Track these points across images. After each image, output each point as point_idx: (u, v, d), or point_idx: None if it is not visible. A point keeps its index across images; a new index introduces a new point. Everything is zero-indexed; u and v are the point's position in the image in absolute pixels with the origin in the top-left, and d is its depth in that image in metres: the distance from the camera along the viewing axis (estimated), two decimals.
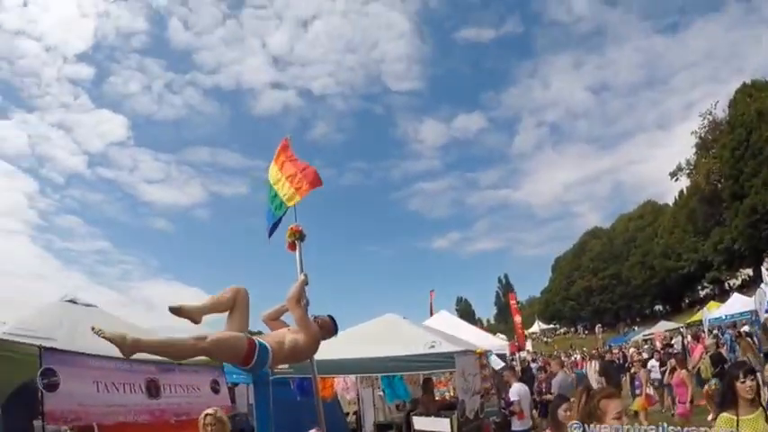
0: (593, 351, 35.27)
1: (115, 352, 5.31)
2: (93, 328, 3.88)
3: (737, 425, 3.85)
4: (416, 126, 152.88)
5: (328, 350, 5.15)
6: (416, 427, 8.38)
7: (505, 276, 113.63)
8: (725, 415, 4.01)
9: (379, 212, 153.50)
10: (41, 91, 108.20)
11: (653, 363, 15.69)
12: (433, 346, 7.86)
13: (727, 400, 4.00)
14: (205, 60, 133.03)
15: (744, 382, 3.91)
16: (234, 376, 8.74)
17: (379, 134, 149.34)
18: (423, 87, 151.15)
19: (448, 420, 8.06)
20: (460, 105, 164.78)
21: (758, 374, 4.15)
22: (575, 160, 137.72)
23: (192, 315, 4.09)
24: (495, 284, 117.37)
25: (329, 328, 4.85)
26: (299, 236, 5.06)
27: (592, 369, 18.85)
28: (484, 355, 8.83)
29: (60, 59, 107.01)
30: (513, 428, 9.04)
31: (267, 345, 4.36)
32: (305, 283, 4.90)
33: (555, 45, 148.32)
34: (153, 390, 6.20)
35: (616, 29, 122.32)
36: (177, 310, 4.03)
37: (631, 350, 29.25)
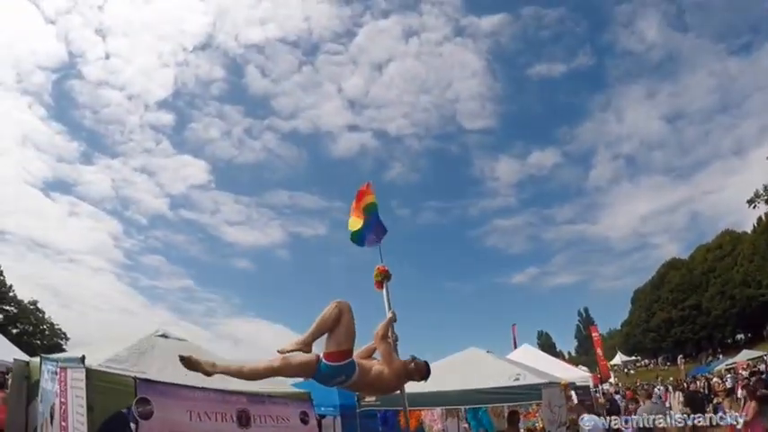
0: (676, 382, 34.22)
1: (207, 383, 5.48)
2: (180, 356, 4.10)
3: None
4: (491, 164, 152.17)
5: (415, 383, 5.22)
6: None
7: (585, 310, 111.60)
8: None
9: (457, 249, 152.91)
10: (125, 137, 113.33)
11: (741, 392, 15.22)
12: (517, 379, 7.86)
13: None
14: (282, 106, 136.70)
15: None
16: (322, 408, 8.85)
17: (454, 173, 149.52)
18: (496, 125, 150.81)
19: None
20: (534, 141, 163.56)
21: None
22: (651, 192, 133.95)
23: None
24: (574, 318, 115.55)
25: (422, 371, 5.00)
26: (385, 275, 5.29)
27: (676, 400, 18.44)
28: (568, 386, 8.71)
29: (142, 107, 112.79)
30: None
31: (356, 362, 4.58)
32: (393, 320, 5.12)
33: (627, 75, 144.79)
34: (244, 419, 6.31)
35: (688, 54, 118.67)
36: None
37: (714, 380, 28.21)
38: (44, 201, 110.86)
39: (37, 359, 8.56)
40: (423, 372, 5.01)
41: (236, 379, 6.19)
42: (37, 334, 55.78)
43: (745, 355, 40.30)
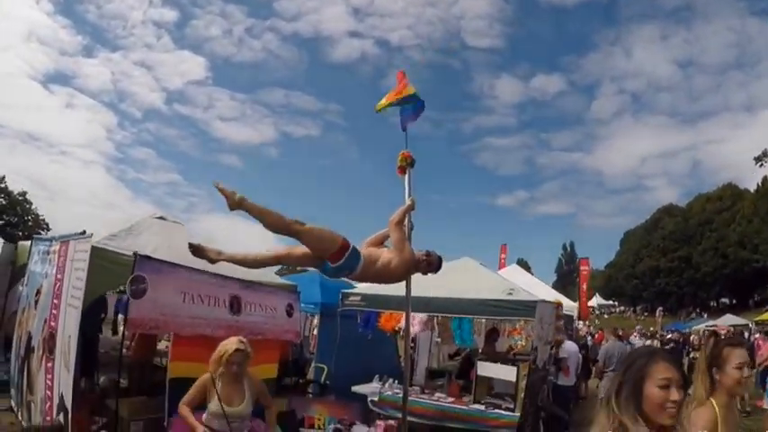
0: (651, 333, 34.37)
1: (206, 266, 5.47)
2: (189, 243, 4.12)
3: None
4: (492, 82, 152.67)
5: (403, 287, 5.31)
6: (480, 372, 8.38)
7: (571, 244, 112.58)
8: None
9: (447, 164, 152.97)
10: (126, 32, 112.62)
11: None
12: (510, 293, 7.87)
13: None
14: (285, 7, 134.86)
15: None
16: (302, 305, 8.93)
17: (453, 87, 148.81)
18: (502, 45, 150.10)
19: (515, 369, 8.06)
20: (540, 66, 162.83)
21: None
22: (654, 132, 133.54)
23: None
24: (557, 251, 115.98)
25: (435, 264, 5.05)
26: (409, 161, 5.24)
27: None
28: (560, 306, 8.82)
29: (146, 2, 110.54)
30: (558, 382, 9.40)
31: (360, 252, 4.52)
32: (411, 207, 5.07)
33: (640, 15, 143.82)
34: (235, 306, 6.36)
35: (706, 6, 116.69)
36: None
37: (692, 336, 28.33)
38: (42, 93, 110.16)
39: (26, 242, 8.54)
40: (435, 264, 5.05)
41: (228, 265, 6.22)
42: (20, 225, 55.96)
43: (728, 320, 39.28)
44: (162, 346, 10.68)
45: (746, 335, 26.61)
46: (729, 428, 2.94)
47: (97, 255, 6.05)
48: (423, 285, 5.68)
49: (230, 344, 4.62)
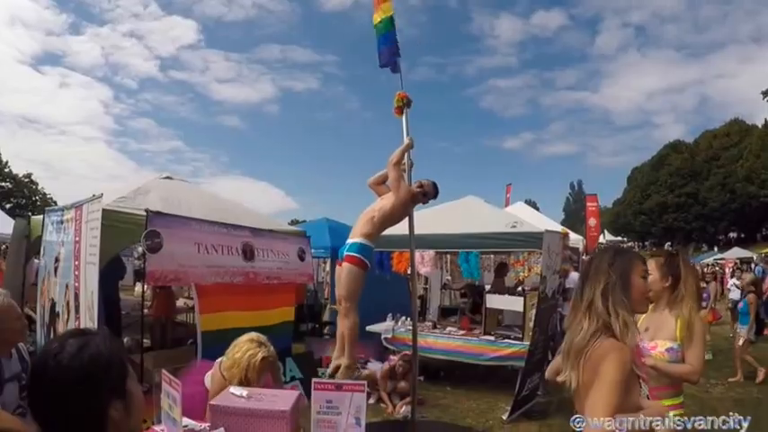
0: None
1: (214, 218, 5.64)
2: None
3: None
4: (492, 21, 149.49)
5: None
6: (489, 305, 8.62)
7: (579, 182, 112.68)
8: None
9: (452, 109, 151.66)
10: (112, 4, 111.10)
11: (734, 281, 15.14)
12: (514, 226, 8.08)
13: None
14: None
15: None
16: (313, 251, 9.13)
17: (452, 29, 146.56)
18: None
19: (521, 299, 8.29)
20: (539, 1, 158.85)
21: None
22: (660, 66, 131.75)
23: None
24: (565, 190, 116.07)
25: (430, 191, 5.26)
26: (406, 101, 5.27)
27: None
28: (567, 236, 8.91)
29: None
30: (564, 312, 9.16)
31: (366, 243, 4.98)
32: (409, 146, 5.19)
33: None
34: (248, 253, 6.50)
35: None
36: None
37: (700, 266, 28.48)
38: (34, 76, 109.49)
39: (39, 217, 8.68)
40: (431, 191, 5.26)
41: (237, 214, 6.44)
42: (29, 206, 56.32)
43: (735, 253, 40.19)
44: (180, 303, 10.99)
45: (753, 266, 26.57)
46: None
47: (108, 217, 6.16)
48: (429, 223, 5.83)
49: (252, 351, 3.83)
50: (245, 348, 3.83)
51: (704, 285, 13.41)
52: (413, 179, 5.24)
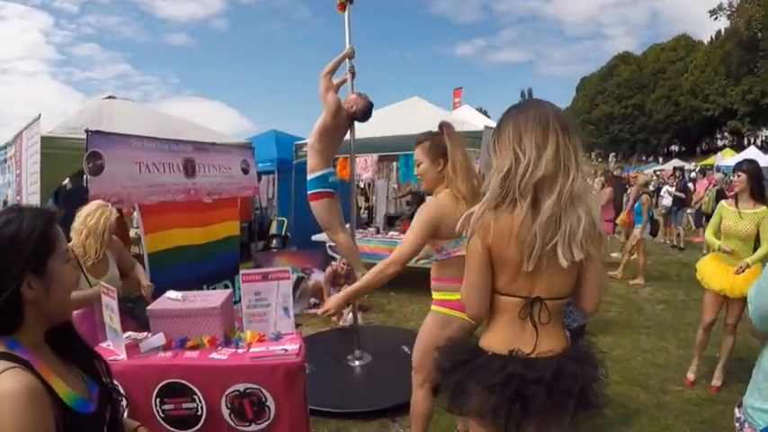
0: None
1: (156, 133, 5.63)
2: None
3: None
4: None
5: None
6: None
7: (529, 91, 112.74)
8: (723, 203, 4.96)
9: (404, 14, 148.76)
10: None
11: (667, 188, 15.98)
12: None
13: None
14: None
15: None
16: (259, 165, 9.19)
17: None
18: None
19: None
20: None
21: None
22: None
23: None
24: (516, 98, 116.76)
25: (359, 114, 5.13)
26: None
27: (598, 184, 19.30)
28: None
29: None
30: None
31: (315, 175, 5.17)
32: (348, 55, 5.18)
33: None
34: (189, 169, 6.53)
35: None
36: None
37: (634, 173, 29.30)
38: None
39: None
40: (359, 115, 5.14)
41: (181, 130, 6.47)
42: None
43: (674, 164, 40.07)
44: (133, 234, 11.03)
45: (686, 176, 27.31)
46: None
47: (50, 144, 6.22)
48: (371, 127, 5.85)
49: (106, 213, 4.00)
50: (98, 214, 3.94)
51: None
52: (356, 88, 5.21)
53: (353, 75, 5.24)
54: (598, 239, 1.92)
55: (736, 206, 4.78)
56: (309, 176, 5.19)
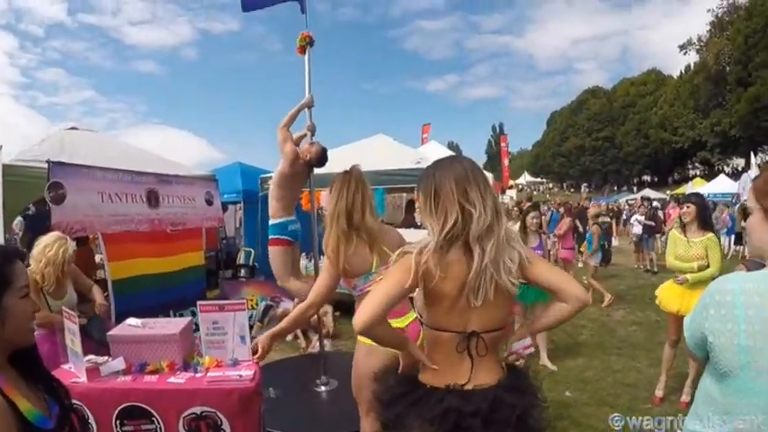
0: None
1: (118, 164, 5.60)
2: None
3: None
4: None
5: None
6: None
7: (500, 125, 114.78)
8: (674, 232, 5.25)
9: (377, 50, 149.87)
10: None
11: (637, 216, 16.66)
12: (419, 162, 8.24)
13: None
14: None
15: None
16: (225, 196, 9.23)
17: None
18: None
19: (425, 231, 8.58)
20: None
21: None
22: (585, 15, 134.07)
23: None
24: (488, 133, 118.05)
25: (314, 153, 5.20)
26: (308, 41, 5.33)
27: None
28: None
29: None
30: None
31: (275, 222, 5.31)
32: (307, 104, 5.29)
33: None
34: (153, 200, 6.55)
35: None
36: None
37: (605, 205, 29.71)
38: None
39: None
40: (313, 163, 5.26)
41: (144, 161, 6.43)
42: None
43: (646, 194, 41.96)
44: (98, 259, 10.91)
45: (660, 204, 27.78)
46: None
47: (10, 172, 6.14)
48: (335, 164, 5.89)
49: (64, 246, 4.22)
50: (56, 246, 4.17)
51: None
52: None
53: (313, 132, 5.37)
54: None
55: (685, 235, 5.09)
56: (270, 221, 5.36)
